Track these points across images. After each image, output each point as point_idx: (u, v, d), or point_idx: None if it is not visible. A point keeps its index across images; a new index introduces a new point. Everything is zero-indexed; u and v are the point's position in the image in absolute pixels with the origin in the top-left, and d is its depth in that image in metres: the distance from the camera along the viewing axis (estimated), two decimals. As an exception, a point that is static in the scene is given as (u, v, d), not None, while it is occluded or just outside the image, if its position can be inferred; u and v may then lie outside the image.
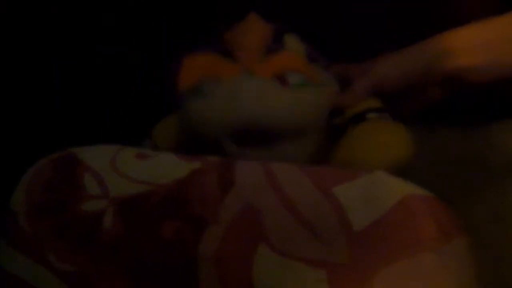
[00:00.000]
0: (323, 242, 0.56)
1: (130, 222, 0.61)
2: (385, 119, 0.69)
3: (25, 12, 0.97)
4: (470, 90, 0.71)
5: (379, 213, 0.56)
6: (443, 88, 0.72)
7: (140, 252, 0.61)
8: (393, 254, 0.55)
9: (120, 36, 0.96)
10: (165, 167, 0.63)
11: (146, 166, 0.64)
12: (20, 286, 0.63)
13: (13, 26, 0.96)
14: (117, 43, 0.96)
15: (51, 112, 0.98)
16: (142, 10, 0.97)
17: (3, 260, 0.64)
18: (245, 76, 0.67)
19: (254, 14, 0.70)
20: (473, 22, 0.71)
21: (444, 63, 0.69)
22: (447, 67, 0.69)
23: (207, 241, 0.59)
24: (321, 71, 0.72)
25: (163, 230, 0.60)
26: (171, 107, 0.72)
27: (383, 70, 0.71)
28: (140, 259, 0.60)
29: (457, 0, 0.76)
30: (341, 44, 0.76)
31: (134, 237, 0.61)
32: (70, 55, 0.97)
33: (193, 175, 0.62)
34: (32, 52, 0.97)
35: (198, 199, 0.60)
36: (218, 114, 0.66)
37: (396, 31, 0.73)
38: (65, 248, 0.62)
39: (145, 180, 0.63)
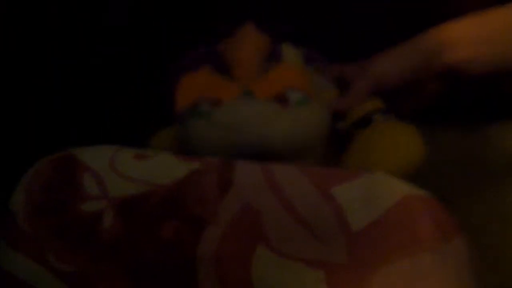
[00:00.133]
0: (322, 242, 0.57)
1: (130, 222, 0.61)
2: (391, 119, 0.69)
3: (25, 12, 0.96)
4: (469, 85, 0.71)
5: (378, 213, 0.56)
6: (441, 83, 0.71)
7: (139, 252, 0.61)
8: (392, 254, 0.55)
9: (120, 36, 0.96)
10: (164, 168, 0.63)
11: (145, 166, 0.64)
12: (20, 286, 0.63)
13: (13, 26, 0.96)
14: (117, 43, 0.96)
15: (51, 112, 0.98)
16: (142, 10, 0.97)
17: (2, 260, 0.64)
18: (245, 100, 0.67)
19: (250, 25, 0.70)
20: (469, 15, 0.71)
21: (441, 56, 0.69)
22: (444, 59, 0.69)
23: (206, 241, 0.59)
24: (318, 77, 0.71)
25: (162, 230, 0.60)
26: (169, 111, 0.72)
27: (381, 68, 0.71)
28: (139, 259, 0.60)
29: (457, 0, 0.76)
30: (341, 44, 0.76)
31: (134, 237, 0.61)
32: (70, 55, 0.97)
33: (192, 175, 0.62)
34: (32, 52, 0.97)
35: (197, 200, 0.60)
36: (219, 138, 0.66)
37: (396, 31, 0.73)
38: (64, 248, 0.62)
39: (144, 180, 0.63)
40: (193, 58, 0.72)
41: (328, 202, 0.58)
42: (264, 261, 0.57)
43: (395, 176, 0.62)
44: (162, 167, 0.63)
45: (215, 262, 0.58)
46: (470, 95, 0.74)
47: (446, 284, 0.55)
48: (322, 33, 0.75)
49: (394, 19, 0.76)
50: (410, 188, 0.58)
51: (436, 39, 0.70)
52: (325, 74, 0.73)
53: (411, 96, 0.73)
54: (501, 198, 0.77)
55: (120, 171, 0.63)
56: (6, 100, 0.97)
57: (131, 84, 0.97)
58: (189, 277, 0.59)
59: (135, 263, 0.60)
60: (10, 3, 0.96)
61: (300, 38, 0.72)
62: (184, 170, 0.62)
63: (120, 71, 0.97)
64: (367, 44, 0.74)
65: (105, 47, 0.97)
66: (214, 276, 0.58)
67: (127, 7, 0.97)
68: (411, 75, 0.70)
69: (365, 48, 0.74)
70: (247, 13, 0.71)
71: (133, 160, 0.64)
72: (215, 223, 0.59)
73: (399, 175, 0.62)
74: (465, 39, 0.70)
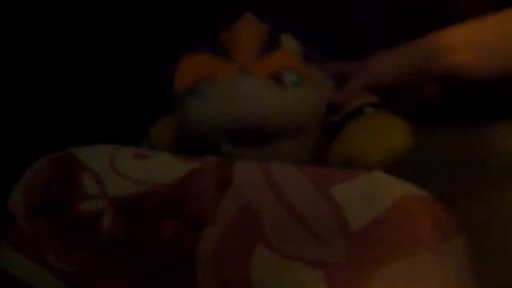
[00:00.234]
0: (321, 242, 0.56)
1: (129, 222, 0.61)
2: (382, 112, 0.69)
3: (25, 12, 0.97)
4: (469, 88, 0.71)
5: (377, 213, 0.56)
6: (440, 85, 0.72)
7: (139, 252, 0.61)
8: (391, 254, 0.55)
9: (120, 36, 0.96)
10: (164, 167, 0.63)
11: (144, 166, 0.64)
12: (20, 286, 0.63)
13: (13, 26, 0.96)
14: (117, 43, 0.96)
15: (51, 112, 0.98)
16: (142, 10, 0.97)
17: (2, 260, 0.64)
18: (241, 76, 0.67)
19: (250, 13, 0.70)
20: (470, 20, 0.71)
21: (441, 59, 0.70)
22: (443, 63, 0.70)
23: (205, 241, 0.59)
24: (316, 70, 0.72)
25: (161, 230, 0.60)
26: (169, 107, 0.72)
27: (380, 67, 0.71)
28: (139, 259, 0.60)
29: (457, 0, 0.76)
30: (341, 44, 0.76)
31: (133, 237, 0.61)
32: (70, 55, 0.97)
33: (191, 175, 0.62)
34: (32, 52, 0.97)
35: (196, 199, 0.60)
36: (214, 114, 0.66)
37: (396, 31, 0.73)
38: (64, 248, 0.62)
39: (143, 180, 0.63)
40: (197, 44, 0.73)
41: (327, 201, 0.58)
42: (264, 261, 0.57)
43: (378, 163, 0.62)
44: (161, 167, 0.63)
45: (214, 262, 0.58)
46: (470, 95, 0.74)
47: (445, 284, 0.55)
48: (322, 33, 0.75)
49: (394, 19, 0.77)
50: (410, 187, 0.58)
51: (436, 42, 0.70)
52: (325, 71, 0.73)
53: (409, 97, 0.73)
54: (501, 198, 0.77)
55: (119, 170, 0.63)
56: (6, 100, 0.97)
57: (131, 84, 0.97)
58: (188, 277, 0.59)
59: (135, 262, 0.60)
60: (10, 3, 0.96)
61: (300, 38, 0.72)
62: (184, 169, 0.62)
63: (120, 71, 0.97)
64: (367, 44, 0.74)
65: (105, 47, 0.97)
66: (213, 276, 0.58)
67: (127, 7, 0.97)
68: (409, 75, 0.71)
69: (365, 48, 0.74)
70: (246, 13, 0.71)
71: (133, 159, 0.64)
72: (214, 223, 0.59)
73: (381, 163, 0.63)
74: (465, 43, 0.70)
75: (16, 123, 0.98)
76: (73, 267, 0.62)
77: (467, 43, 0.70)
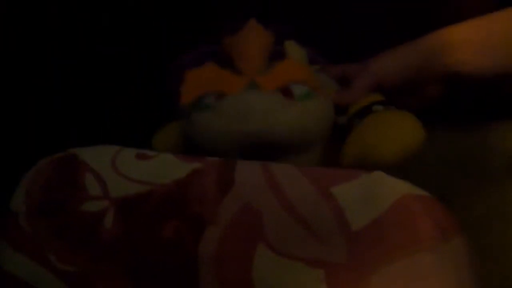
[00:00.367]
0: (322, 242, 0.57)
1: (130, 222, 0.61)
2: (391, 109, 0.69)
3: (25, 12, 0.97)
4: (470, 87, 0.71)
5: (377, 213, 0.56)
6: (442, 84, 0.72)
7: (140, 252, 0.61)
8: (391, 254, 0.55)
9: (120, 36, 0.96)
10: (165, 167, 0.63)
11: (146, 166, 0.64)
12: (20, 286, 0.63)
13: (13, 26, 0.96)
14: (117, 43, 0.96)
15: (51, 112, 0.98)
16: (142, 10, 0.97)
17: (3, 260, 0.64)
18: (250, 91, 0.67)
19: (254, 20, 0.70)
20: (471, 19, 0.72)
21: (442, 58, 0.70)
22: (445, 61, 0.70)
23: (206, 241, 0.59)
24: (322, 75, 0.71)
25: (163, 230, 0.60)
26: (170, 109, 0.72)
27: (382, 67, 0.71)
28: (140, 259, 0.60)
29: (457, 0, 0.76)
30: (341, 44, 0.76)
31: (134, 237, 0.61)
32: (70, 55, 0.97)
33: (192, 175, 0.62)
34: (32, 52, 0.97)
35: (197, 199, 0.60)
36: (225, 129, 0.66)
37: (396, 31, 0.73)
38: (65, 248, 0.62)
39: (145, 180, 0.63)
40: (194, 57, 0.72)
41: (328, 202, 0.58)
42: (265, 260, 0.57)
43: (394, 159, 0.62)
44: (163, 167, 0.63)
45: (215, 261, 0.58)
46: (470, 95, 0.74)
47: (445, 284, 0.55)
48: (322, 33, 0.75)
49: (394, 19, 0.77)
50: (410, 187, 0.58)
51: (438, 41, 0.70)
52: (328, 74, 0.73)
53: (411, 97, 0.73)
54: (501, 198, 0.77)
55: (121, 171, 0.64)
56: (6, 100, 0.97)
57: (131, 84, 0.97)
58: (189, 277, 0.59)
59: (136, 263, 0.61)
60: (10, 3, 0.96)
61: (300, 38, 0.72)
62: (185, 170, 0.62)
63: (120, 71, 0.97)
64: (367, 44, 0.74)
65: (105, 47, 0.97)
66: (215, 275, 0.58)
67: (127, 7, 0.97)
68: (411, 75, 0.71)
69: (365, 48, 0.74)
70: (247, 13, 0.71)
71: (134, 160, 0.64)
72: (215, 223, 0.59)
73: (396, 159, 0.63)
74: (466, 42, 0.70)
75: (16, 123, 0.98)
76: (74, 268, 0.62)
77: (468, 42, 0.70)
